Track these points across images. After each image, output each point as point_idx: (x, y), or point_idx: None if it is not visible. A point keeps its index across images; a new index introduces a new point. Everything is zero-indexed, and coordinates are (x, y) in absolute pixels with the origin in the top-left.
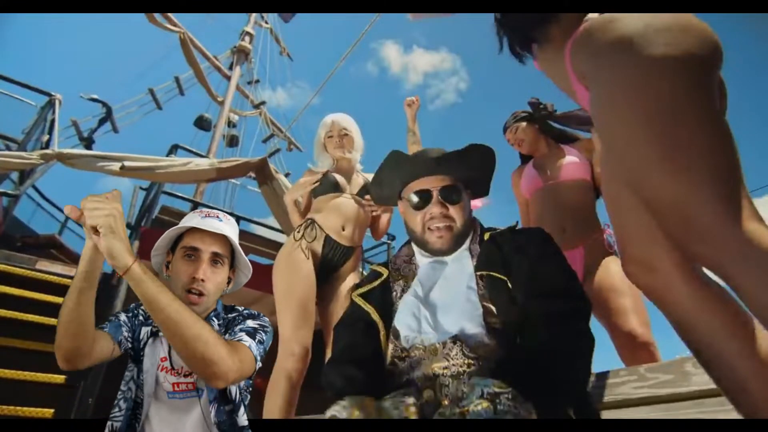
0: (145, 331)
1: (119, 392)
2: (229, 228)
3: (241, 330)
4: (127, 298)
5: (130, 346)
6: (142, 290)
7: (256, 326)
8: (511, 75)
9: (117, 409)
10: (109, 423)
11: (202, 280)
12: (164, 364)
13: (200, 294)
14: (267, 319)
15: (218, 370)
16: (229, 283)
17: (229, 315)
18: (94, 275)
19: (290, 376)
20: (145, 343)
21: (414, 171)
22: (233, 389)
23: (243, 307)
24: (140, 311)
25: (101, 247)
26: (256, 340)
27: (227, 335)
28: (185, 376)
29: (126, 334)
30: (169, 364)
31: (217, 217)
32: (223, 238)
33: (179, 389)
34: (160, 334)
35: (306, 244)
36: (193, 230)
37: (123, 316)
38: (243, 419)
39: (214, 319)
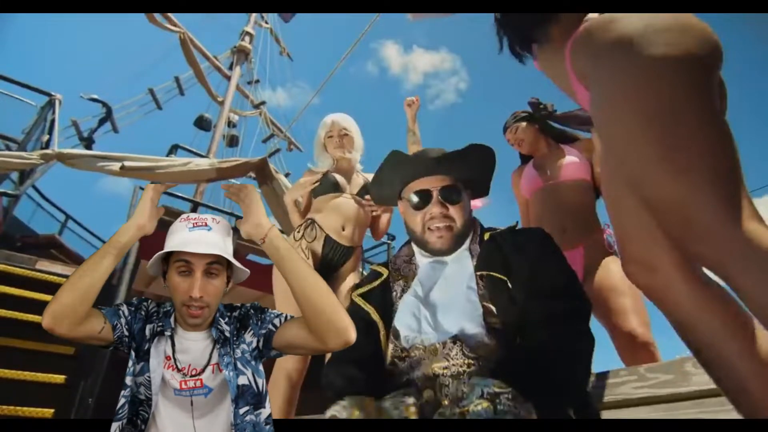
0: (149, 328)
1: (123, 390)
2: (220, 236)
3: (276, 316)
4: (126, 298)
5: (126, 334)
6: (280, 256)
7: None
8: (511, 75)
9: (122, 409)
10: (115, 424)
11: (201, 296)
12: (169, 362)
13: (201, 308)
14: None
15: (351, 327)
16: (228, 282)
17: (234, 313)
18: (124, 251)
19: (290, 376)
20: (149, 341)
21: (414, 171)
22: (260, 382)
23: (240, 304)
24: (143, 307)
25: (251, 215)
26: None
27: (252, 330)
28: (192, 375)
29: (123, 323)
30: (173, 362)
31: (205, 225)
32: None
33: (187, 387)
34: (166, 333)
35: (306, 244)
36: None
37: (125, 308)
38: (267, 411)
39: (219, 319)
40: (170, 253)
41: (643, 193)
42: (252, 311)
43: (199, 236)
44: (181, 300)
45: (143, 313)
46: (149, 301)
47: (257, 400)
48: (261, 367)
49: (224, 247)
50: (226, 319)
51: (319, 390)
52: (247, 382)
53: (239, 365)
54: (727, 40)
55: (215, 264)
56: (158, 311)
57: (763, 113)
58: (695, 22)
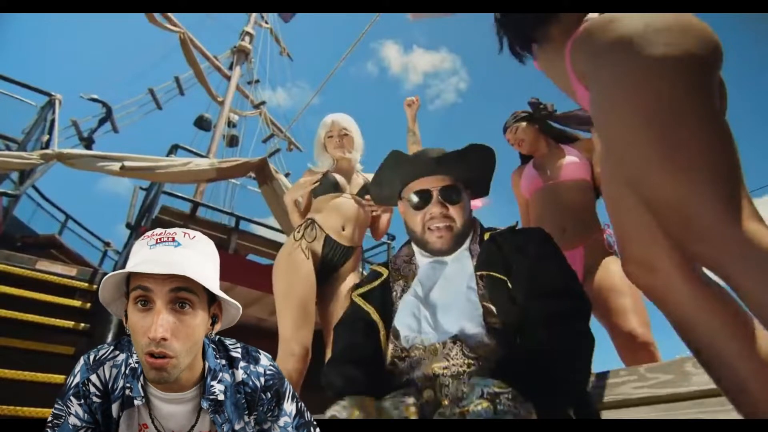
0: (115, 407)
1: None
2: (192, 255)
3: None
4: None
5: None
6: None
7: (299, 406)
8: (511, 75)
9: None
10: None
11: (164, 339)
12: (147, 431)
13: (165, 357)
14: (277, 365)
15: None
16: (214, 323)
17: (239, 375)
18: None
19: (290, 377)
20: (118, 417)
21: (414, 171)
22: None
23: (238, 347)
24: (90, 387)
25: None
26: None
27: (257, 416)
28: None
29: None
30: (154, 429)
31: (172, 240)
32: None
33: None
34: (137, 403)
35: (306, 244)
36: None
37: (75, 407)
38: None
39: (211, 383)
40: (129, 283)
41: (643, 193)
42: (269, 397)
43: (161, 254)
44: (141, 345)
45: (96, 397)
46: (98, 366)
47: None
48: None
49: (198, 269)
50: (220, 379)
51: (319, 390)
52: None
53: None
54: (727, 40)
55: (184, 291)
56: (119, 371)
57: (763, 113)
58: (695, 22)
